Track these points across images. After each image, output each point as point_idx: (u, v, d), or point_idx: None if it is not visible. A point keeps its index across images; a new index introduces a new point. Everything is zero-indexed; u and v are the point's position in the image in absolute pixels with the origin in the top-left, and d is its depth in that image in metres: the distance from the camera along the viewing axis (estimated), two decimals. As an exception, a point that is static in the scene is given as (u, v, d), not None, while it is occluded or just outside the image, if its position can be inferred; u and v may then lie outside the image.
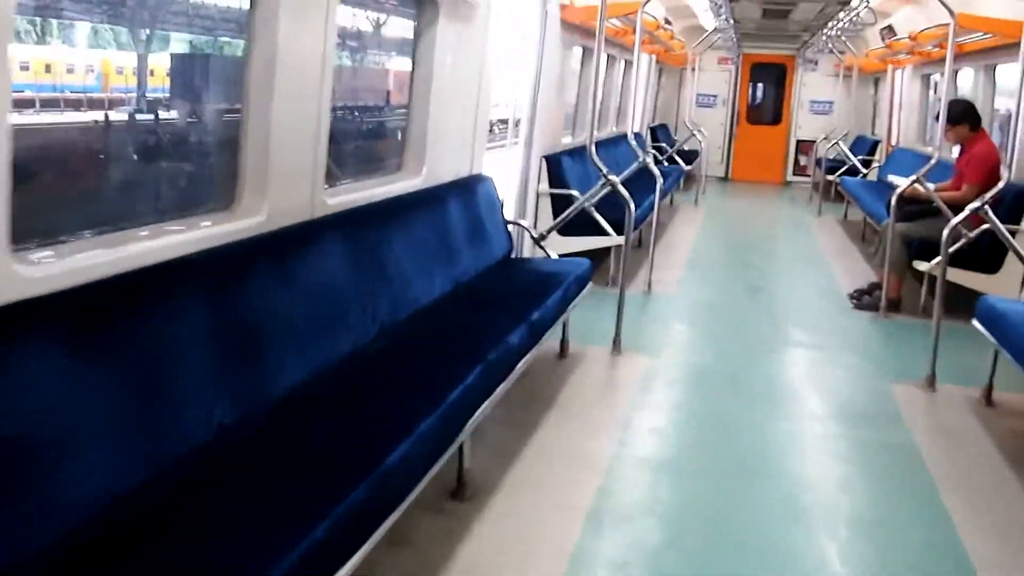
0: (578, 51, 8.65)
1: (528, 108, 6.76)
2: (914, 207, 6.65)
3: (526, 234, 6.17)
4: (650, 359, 5.29)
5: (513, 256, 5.40)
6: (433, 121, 4.61)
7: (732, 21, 11.90)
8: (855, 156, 12.64)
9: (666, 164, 12.95)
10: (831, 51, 13.51)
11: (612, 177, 5.52)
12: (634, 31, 8.71)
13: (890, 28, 11.36)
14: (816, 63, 15.65)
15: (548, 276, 4.68)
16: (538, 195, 7.14)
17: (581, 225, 6.42)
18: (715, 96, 16.30)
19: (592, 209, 6.43)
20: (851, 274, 8.14)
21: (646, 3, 6.59)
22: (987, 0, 7.06)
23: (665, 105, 15.94)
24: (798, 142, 16.10)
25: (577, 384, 4.72)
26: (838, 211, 12.09)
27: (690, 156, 13.87)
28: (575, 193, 6.51)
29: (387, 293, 3.52)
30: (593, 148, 5.21)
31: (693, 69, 14.21)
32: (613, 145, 9.92)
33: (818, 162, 14.51)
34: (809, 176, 15.84)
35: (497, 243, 5.11)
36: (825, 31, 12.24)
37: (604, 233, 6.74)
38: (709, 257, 8.96)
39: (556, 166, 7.10)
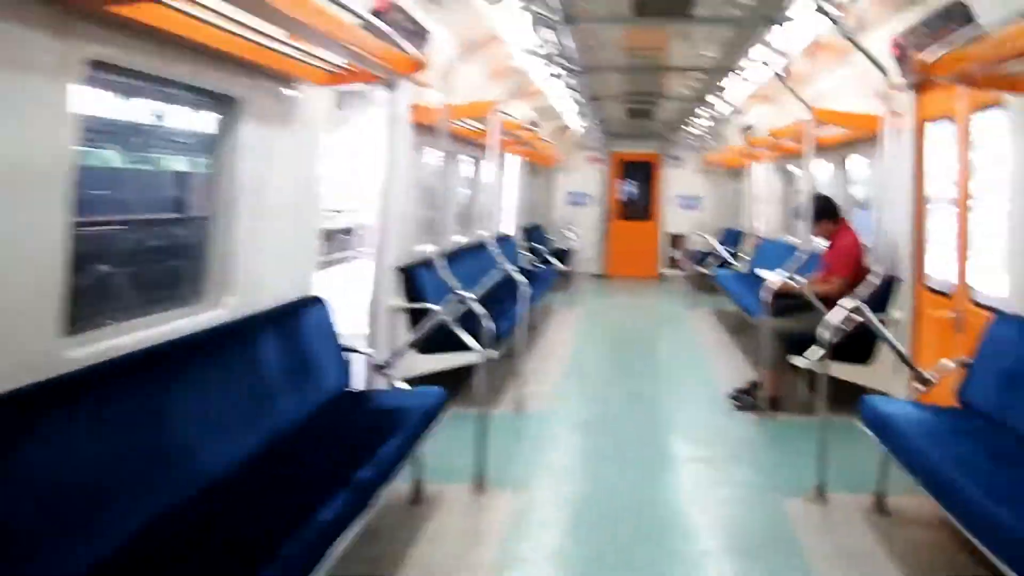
0: (438, 153, 8.23)
1: (378, 215, 6.18)
2: (787, 301, 6.41)
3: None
4: (520, 496, 4.64)
5: (352, 389, 4.68)
6: (243, 238, 3.93)
7: (598, 121, 11.89)
8: (724, 248, 12.67)
9: (540, 266, 12.64)
10: (694, 148, 13.73)
11: (464, 292, 5.21)
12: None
13: (748, 128, 11.60)
14: (681, 159, 15.96)
15: (389, 414, 3.94)
16: (391, 310, 6.53)
17: (441, 341, 5.86)
18: (587, 194, 16.32)
19: (451, 323, 5.87)
20: (730, 371, 7.85)
21: (501, 103, 6.22)
22: (839, 97, 7.10)
23: (538, 205, 15.81)
24: (670, 236, 16.22)
25: (433, 539, 4.01)
26: (712, 303, 12.01)
27: (565, 256, 13.65)
28: (433, 307, 5.90)
29: (159, 474, 2.75)
30: (444, 261, 4.66)
31: (562, 169, 14.15)
32: (481, 250, 9.47)
33: (690, 255, 14.57)
34: (682, 270, 15.93)
35: (330, 377, 4.40)
36: (686, 129, 12.40)
37: (467, 349, 6.15)
38: (587, 363, 8.49)
39: (412, 278, 6.50)
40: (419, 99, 6.46)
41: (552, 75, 7.67)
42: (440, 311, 5.72)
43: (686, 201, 16.10)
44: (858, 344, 5.93)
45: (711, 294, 12.47)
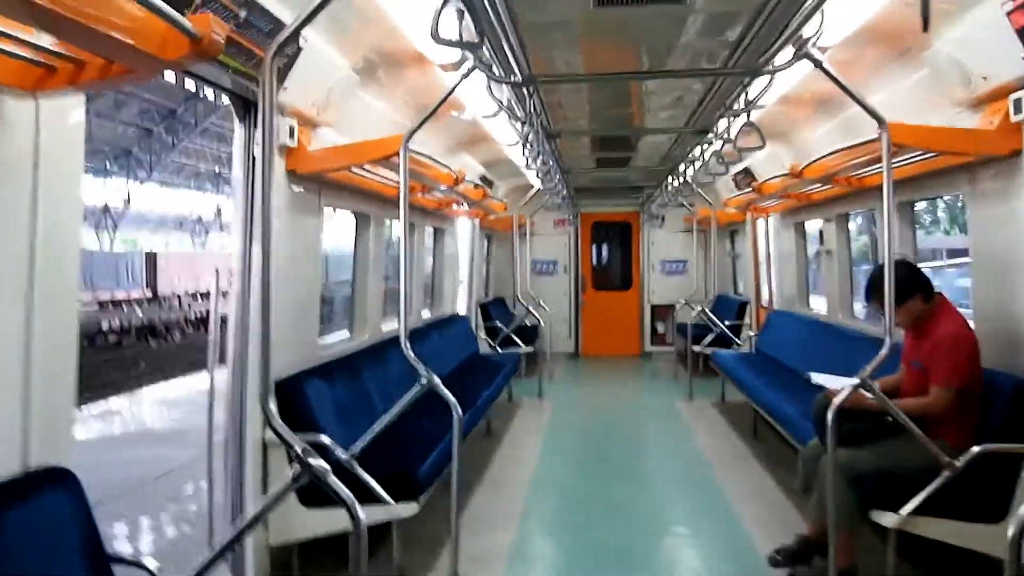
0: (339, 215, 6.09)
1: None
2: (860, 425, 4.23)
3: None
4: None
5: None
6: None
7: (560, 174, 9.80)
8: (721, 321, 10.52)
9: (500, 349, 10.39)
10: (680, 204, 11.70)
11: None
12: (424, 188, 6.33)
13: (746, 171, 9.58)
14: (662, 219, 13.88)
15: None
16: (264, 444, 4.27)
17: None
18: (555, 262, 14.16)
19: (353, 463, 4.06)
20: (758, 505, 5.59)
21: (409, 136, 4.07)
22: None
23: (500, 277, 13.64)
24: (653, 307, 14.05)
25: None
26: (710, 388, 9.78)
27: (532, 334, 11.44)
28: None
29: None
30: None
31: (524, 233, 11.99)
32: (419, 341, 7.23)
33: (679, 329, 12.42)
34: (670, 345, 13.75)
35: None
36: (670, 181, 10.37)
37: (377, 500, 4.04)
38: (555, 495, 6.14)
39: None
40: (293, 139, 4.33)
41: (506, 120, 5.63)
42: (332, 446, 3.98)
43: (671, 266, 14.00)
44: (982, 491, 3.85)
45: (707, 376, 10.28)
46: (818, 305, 9.26)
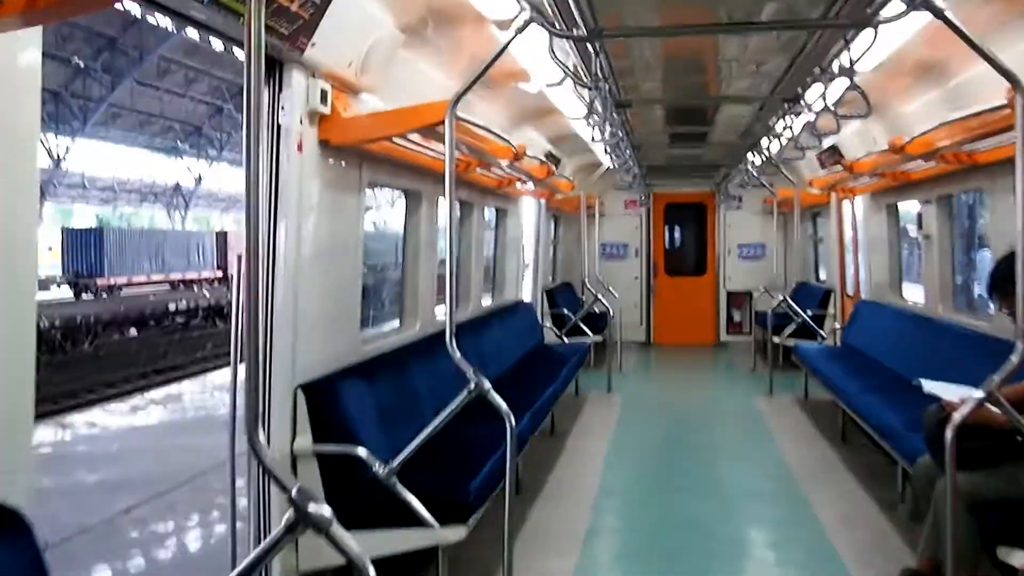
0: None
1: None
2: (982, 444, 3.56)
3: None
4: None
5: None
6: None
7: (631, 150, 9.14)
8: (803, 310, 9.71)
9: (567, 339, 9.82)
10: (759, 184, 10.91)
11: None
12: (481, 164, 5.79)
13: (834, 149, 8.76)
14: (740, 200, 13.04)
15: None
16: (294, 455, 3.81)
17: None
18: (625, 245, 13.47)
19: (394, 479, 3.63)
20: (852, 527, 4.92)
21: (456, 101, 3.51)
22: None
23: (568, 261, 13.04)
24: (729, 295, 13.26)
25: None
26: (791, 383, 9.05)
27: (601, 321, 10.83)
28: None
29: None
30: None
31: (592, 214, 11.36)
32: (474, 333, 6.74)
33: (758, 319, 11.65)
34: (747, 334, 12.96)
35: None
36: (750, 159, 9.59)
37: (420, 523, 3.67)
38: (624, 510, 5.55)
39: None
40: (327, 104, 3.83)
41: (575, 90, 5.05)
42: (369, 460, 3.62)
43: (748, 250, 13.17)
44: None
45: (787, 370, 9.53)
46: (912, 295, 8.43)
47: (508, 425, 3.51)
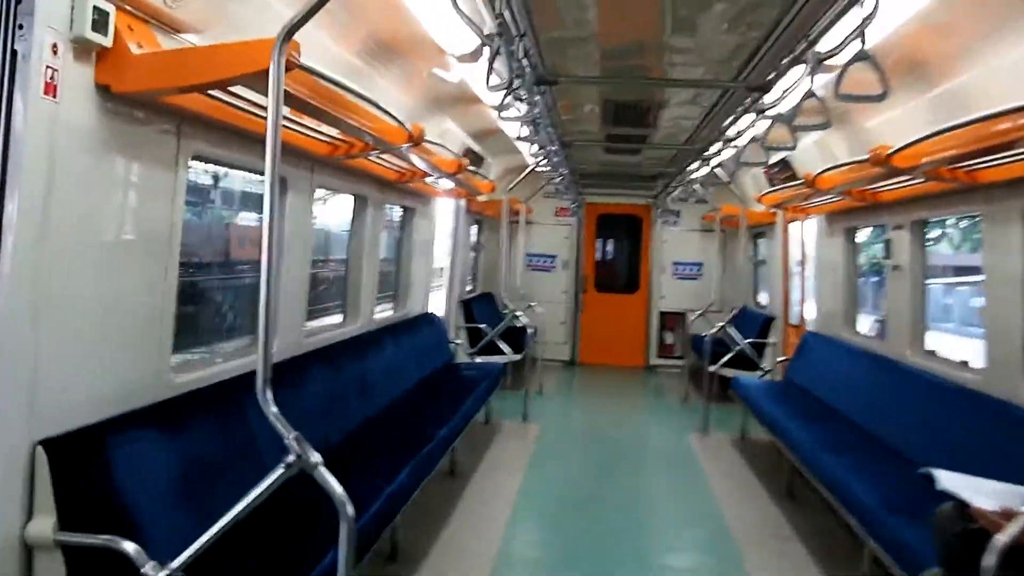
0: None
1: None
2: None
3: None
4: None
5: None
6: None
7: (561, 148, 8.09)
8: (742, 336, 8.81)
9: (476, 359, 8.69)
10: (701, 199, 10.01)
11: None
12: (367, 148, 4.66)
13: (784, 163, 7.89)
14: (678, 215, 12.17)
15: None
16: (27, 544, 2.61)
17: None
18: (554, 257, 12.46)
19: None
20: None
21: (286, 35, 2.36)
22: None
23: (493, 269, 11.93)
24: (662, 315, 12.35)
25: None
26: (727, 419, 8.13)
27: (522, 338, 9.75)
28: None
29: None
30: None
31: (515, 221, 10.28)
32: (359, 354, 5.60)
33: (693, 343, 10.76)
34: (678, 359, 12.07)
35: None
36: (694, 168, 8.67)
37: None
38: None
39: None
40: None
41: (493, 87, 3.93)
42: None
43: (684, 269, 12.30)
44: None
45: (723, 402, 8.63)
46: (865, 328, 7.61)
47: (344, 520, 2.36)
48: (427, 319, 7.78)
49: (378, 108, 3.80)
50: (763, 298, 11.12)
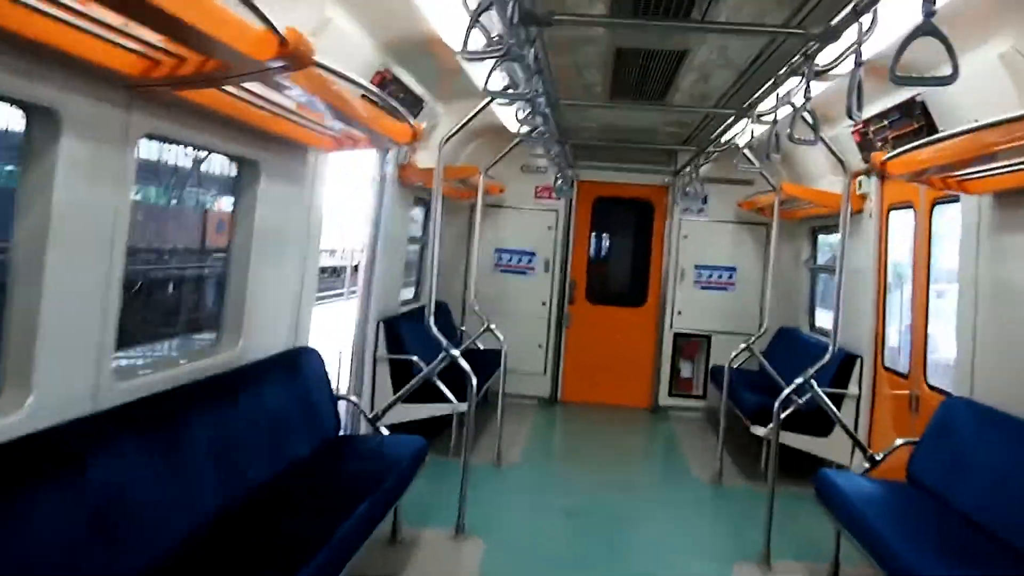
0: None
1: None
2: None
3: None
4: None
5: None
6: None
7: (546, 99, 4.87)
8: (807, 382, 5.50)
9: (384, 431, 5.39)
10: (740, 179, 6.81)
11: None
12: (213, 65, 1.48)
13: (908, 109, 4.73)
14: (705, 200, 8.86)
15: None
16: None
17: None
18: (531, 255, 9.16)
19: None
20: None
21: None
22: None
23: (449, 270, 8.71)
24: (677, 337, 9.06)
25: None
26: (793, 525, 5.06)
27: (485, 366, 6.60)
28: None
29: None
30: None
31: (475, 203, 6.96)
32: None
33: (713, 377, 7.71)
34: (697, 398, 8.87)
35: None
36: (738, 131, 5.60)
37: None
38: None
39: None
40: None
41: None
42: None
43: (711, 274, 8.99)
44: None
45: (786, 481, 5.35)
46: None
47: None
48: (294, 363, 4.49)
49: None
50: (822, 320, 7.92)
